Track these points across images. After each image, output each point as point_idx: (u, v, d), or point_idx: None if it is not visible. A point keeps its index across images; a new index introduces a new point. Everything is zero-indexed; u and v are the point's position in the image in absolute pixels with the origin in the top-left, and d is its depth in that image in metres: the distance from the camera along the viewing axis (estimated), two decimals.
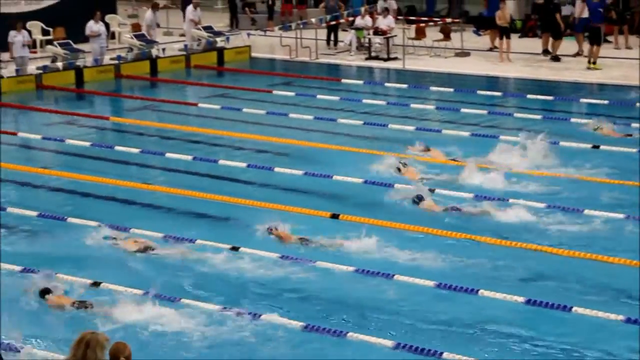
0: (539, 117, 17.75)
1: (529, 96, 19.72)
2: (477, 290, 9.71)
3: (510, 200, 12.38)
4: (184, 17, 29.01)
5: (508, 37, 23.72)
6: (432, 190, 12.82)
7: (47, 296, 9.62)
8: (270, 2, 30.15)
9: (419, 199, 12.43)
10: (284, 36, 25.88)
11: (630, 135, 16.04)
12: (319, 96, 20.34)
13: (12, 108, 19.83)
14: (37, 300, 9.63)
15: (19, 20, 22.37)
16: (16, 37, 21.72)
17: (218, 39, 25.05)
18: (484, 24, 26.85)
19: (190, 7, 25.64)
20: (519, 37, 26.66)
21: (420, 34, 25.98)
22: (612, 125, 16.22)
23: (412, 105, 19.21)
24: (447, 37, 25.58)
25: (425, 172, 13.84)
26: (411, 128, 16.94)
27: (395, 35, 25.05)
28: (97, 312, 9.35)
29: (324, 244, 11.10)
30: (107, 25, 25.18)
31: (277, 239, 11.28)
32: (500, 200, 12.40)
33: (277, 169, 14.40)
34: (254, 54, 25.57)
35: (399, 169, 13.84)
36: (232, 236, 11.51)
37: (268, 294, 9.96)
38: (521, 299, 9.48)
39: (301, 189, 13.51)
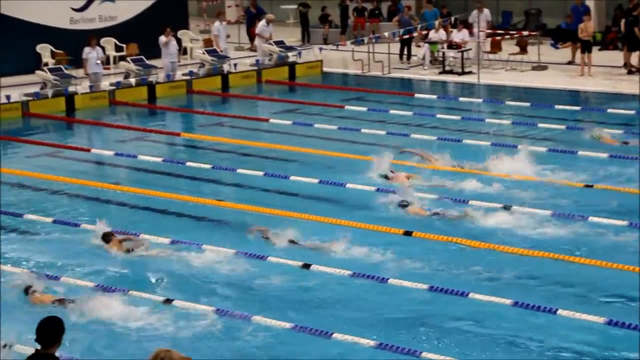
0: (620, 131, 17.45)
1: (609, 110, 19.40)
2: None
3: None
4: (247, 31, 29.38)
5: (590, 51, 23.37)
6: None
7: (30, 294, 10.32)
8: (343, 17, 30.26)
9: (404, 205, 12.99)
10: (356, 50, 25.97)
11: (627, 143, 16.40)
12: (391, 111, 20.33)
13: (86, 124, 20.31)
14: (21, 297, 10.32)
15: (93, 36, 22.85)
16: (90, 54, 22.23)
17: (290, 54, 25.26)
18: (562, 36, 26.52)
19: (262, 22, 25.87)
20: (599, 49, 26.26)
21: (495, 47, 25.79)
22: (609, 133, 16.81)
23: (487, 120, 19.06)
24: (523, 50, 25.33)
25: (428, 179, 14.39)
26: (486, 144, 16.81)
27: (470, 49, 24.91)
28: (74, 309, 9.84)
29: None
30: (179, 41, 25.63)
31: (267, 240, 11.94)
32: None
33: (349, 185, 14.42)
34: (325, 69, 25.71)
35: (386, 177, 14.42)
36: (304, 254, 11.58)
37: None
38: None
39: (373, 206, 13.50)
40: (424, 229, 12.31)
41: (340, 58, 26.53)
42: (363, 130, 18.37)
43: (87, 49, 22.25)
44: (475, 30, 25.39)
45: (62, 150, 17.64)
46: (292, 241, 11.94)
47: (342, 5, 30.47)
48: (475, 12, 26.10)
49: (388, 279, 10.66)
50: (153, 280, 11.06)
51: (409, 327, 9.66)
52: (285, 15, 33.47)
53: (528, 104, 20.51)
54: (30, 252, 12.01)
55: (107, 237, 11.90)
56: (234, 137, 18.70)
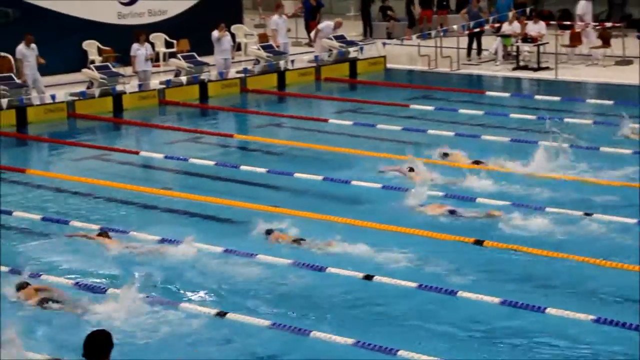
0: None
1: None
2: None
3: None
4: (305, 25, 29.42)
5: None
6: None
7: (20, 291, 10.80)
8: (410, 8, 30.14)
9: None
10: (422, 45, 25.87)
11: None
12: (460, 110, 20.21)
13: (134, 125, 20.56)
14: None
15: (142, 32, 23.04)
16: (139, 51, 22.41)
17: (351, 49, 25.26)
18: None
19: (329, 24, 25.78)
20: None
21: (575, 40, 25.47)
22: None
23: (566, 120, 18.81)
24: (606, 43, 24.97)
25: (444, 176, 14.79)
26: (564, 145, 16.59)
27: (547, 43, 24.64)
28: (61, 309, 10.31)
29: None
30: (232, 36, 25.80)
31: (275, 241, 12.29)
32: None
33: (414, 190, 14.32)
34: (389, 65, 25.65)
35: (406, 174, 14.94)
36: (364, 262, 11.55)
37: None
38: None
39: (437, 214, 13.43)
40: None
41: (405, 53, 26.46)
42: (429, 131, 18.27)
43: (135, 46, 22.44)
44: (580, 22, 25.00)
45: (109, 153, 17.87)
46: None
47: None
48: (583, 2, 25.72)
49: (457, 291, 10.55)
50: (206, 291, 11.11)
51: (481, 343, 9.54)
52: (346, 8, 33.53)
53: (611, 102, 20.19)
54: (77, 261, 12.16)
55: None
56: (290, 138, 18.75)
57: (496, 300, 10.26)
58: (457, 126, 18.72)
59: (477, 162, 15.69)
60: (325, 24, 26.03)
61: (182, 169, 16.68)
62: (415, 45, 26.02)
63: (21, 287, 10.86)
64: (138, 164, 17.42)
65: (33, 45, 21.21)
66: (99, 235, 12.73)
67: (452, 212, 13.25)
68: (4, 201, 14.79)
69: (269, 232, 12.64)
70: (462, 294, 10.48)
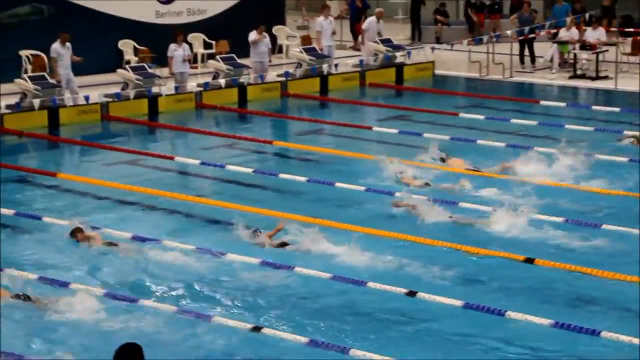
0: None
1: None
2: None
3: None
4: (351, 27, 29.45)
5: None
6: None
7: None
8: (468, 12, 30.08)
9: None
10: (473, 51, 25.84)
11: None
12: (512, 120, 20.15)
13: (169, 129, 20.75)
14: None
15: (180, 32, 23.20)
16: (176, 51, 22.56)
17: (397, 54, 25.30)
18: None
19: (372, 19, 25.90)
20: None
21: (637, 48, 25.29)
22: None
23: (626, 132, 18.70)
24: None
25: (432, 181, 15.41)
26: (623, 159, 16.50)
27: (607, 50, 24.49)
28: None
29: None
30: (273, 38, 25.93)
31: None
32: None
33: (462, 204, 14.34)
34: (438, 71, 25.66)
35: (398, 178, 15.59)
36: (407, 277, 11.59)
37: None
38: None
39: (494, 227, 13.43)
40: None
41: (454, 59, 26.44)
42: (479, 142, 18.25)
43: (172, 46, 22.62)
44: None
45: (143, 158, 18.05)
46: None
47: None
48: None
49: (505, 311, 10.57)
50: (243, 303, 11.22)
51: None
52: (394, 10, 33.55)
53: None
54: (107, 270, 12.33)
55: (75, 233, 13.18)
56: (332, 146, 18.81)
57: (546, 322, 10.26)
58: (509, 137, 18.68)
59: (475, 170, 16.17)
60: (368, 22, 26.07)
61: (219, 176, 16.80)
62: (466, 51, 26.00)
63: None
64: (173, 169, 17.58)
65: (68, 44, 21.46)
66: (110, 243, 13.02)
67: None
68: (34, 206, 15.03)
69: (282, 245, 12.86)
70: (510, 314, 10.50)
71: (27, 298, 11.15)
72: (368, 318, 10.78)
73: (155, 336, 10.21)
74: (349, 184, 15.54)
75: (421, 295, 11.02)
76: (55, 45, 21.41)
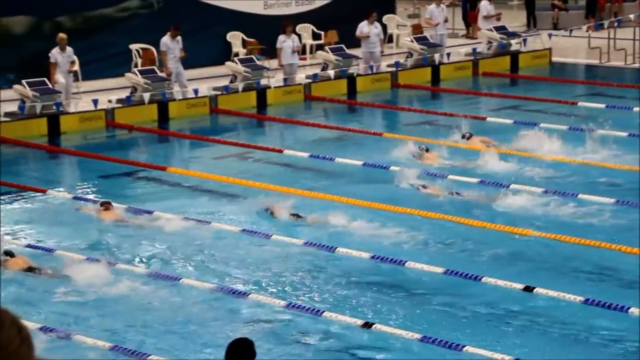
0: None
1: None
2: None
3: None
4: (463, 15, 29.09)
5: None
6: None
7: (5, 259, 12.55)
8: None
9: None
10: (593, 37, 25.30)
11: None
12: (635, 109, 19.68)
13: (278, 122, 20.90)
14: None
15: (289, 22, 23.31)
16: (285, 42, 22.65)
17: (512, 41, 24.95)
18: None
19: (485, 3, 25.62)
20: None
21: None
22: None
23: None
24: None
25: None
26: None
27: None
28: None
29: None
30: (384, 27, 25.84)
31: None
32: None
33: (581, 196, 14.07)
34: (555, 59, 25.21)
35: (419, 155, 16.37)
36: (524, 273, 11.46)
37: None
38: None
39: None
40: None
41: (573, 46, 25.95)
42: (599, 132, 17.86)
43: (281, 37, 22.70)
44: None
45: (252, 151, 18.22)
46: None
47: None
48: None
49: None
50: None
51: None
52: None
53: None
54: (218, 264, 12.52)
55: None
56: (443, 138, 18.62)
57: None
58: (632, 127, 18.23)
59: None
60: (483, 5, 25.69)
61: (328, 169, 16.84)
62: (585, 36, 25.48)
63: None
64: (282, 163, 17.70)
65: (178, 38, 21.64)
66: None
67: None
68: (145, 200, 15.34)
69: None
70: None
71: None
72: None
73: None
74: (463, 177, 15.38)
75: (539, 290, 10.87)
76: (165, 39, 21.69)
